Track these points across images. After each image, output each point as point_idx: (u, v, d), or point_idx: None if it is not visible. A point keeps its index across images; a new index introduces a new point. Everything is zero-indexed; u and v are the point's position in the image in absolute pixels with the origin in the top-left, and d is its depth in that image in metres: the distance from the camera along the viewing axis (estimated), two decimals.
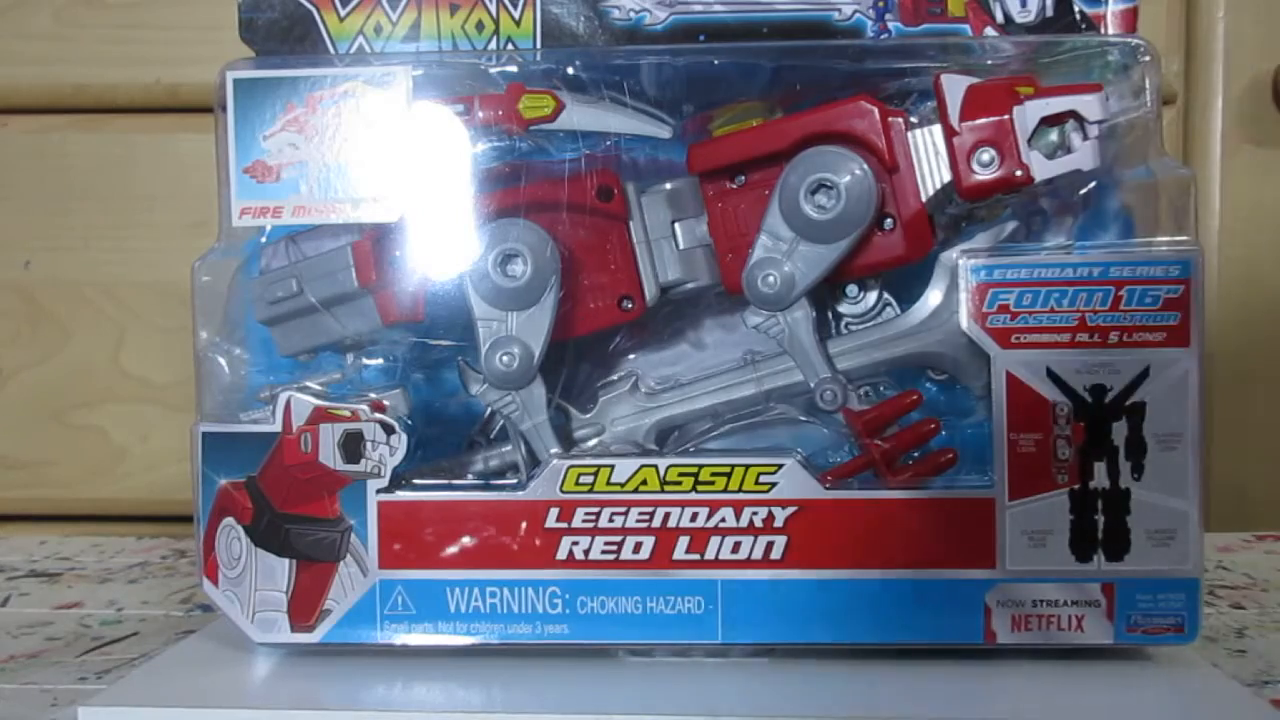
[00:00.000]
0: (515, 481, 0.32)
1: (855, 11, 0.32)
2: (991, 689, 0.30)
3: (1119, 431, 0.30)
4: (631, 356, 0.34)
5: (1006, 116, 0.30)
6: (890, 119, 0.31)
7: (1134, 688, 0.30)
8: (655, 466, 0.31)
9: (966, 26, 0.32)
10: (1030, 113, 0.30)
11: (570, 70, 0.32)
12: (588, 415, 0.34)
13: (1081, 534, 0.30)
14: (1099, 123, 0.30)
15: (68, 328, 0.62)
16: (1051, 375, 0.30)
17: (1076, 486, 0.30)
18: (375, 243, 0.32)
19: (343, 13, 0.33)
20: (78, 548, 0.56)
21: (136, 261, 0.61)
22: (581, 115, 0.32)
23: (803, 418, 0.34)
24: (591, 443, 0.33)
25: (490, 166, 0.33)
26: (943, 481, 0.31)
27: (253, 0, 0.35)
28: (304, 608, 0.32)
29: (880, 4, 0.32)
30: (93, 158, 0.61)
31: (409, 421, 0.32)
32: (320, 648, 0.32)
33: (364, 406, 0.32)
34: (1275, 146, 0.57)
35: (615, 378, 0.34)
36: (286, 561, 0.32)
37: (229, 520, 0.32)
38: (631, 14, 0.32)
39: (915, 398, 0.32)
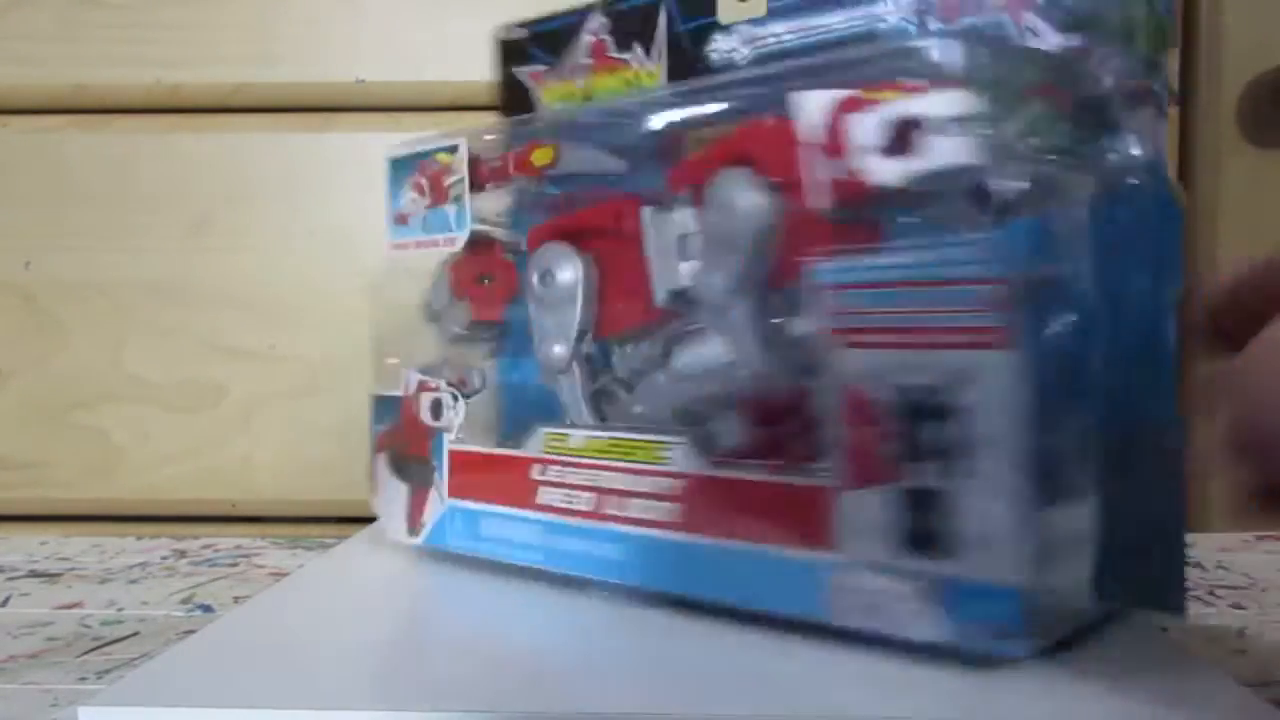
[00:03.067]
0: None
1: (900, 18, 0.34)
2: (989, 692, 0.30)
3: (942, 432, 0.28)
4: (676, 348, 0.38)
5: (836, 126, 0.30)
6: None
7: (1133, 688, 0.30)
8: (599, 437, 0.37)
9: (1006, 18, 0.32)
10: (870, 119, 0.29)
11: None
12: (632, 396, 0.39)
13: (914, 530, 0.29)
14: (949, 120, 0.28)
15: (68, 328, 0.62)
16: (880, 376, 0.29)
17: (906, 484, 0.29)
18: (463, 264, 0.43)
19: (550, 86, 0.45)
20: (78, 548, 0.56)
21: (136, 261, 0.61)
22: (571, 160, 0.40)
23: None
24: (632, 419, 0.39)
25: (545, 200, 0.42)
26: (791, 470, 0.32)
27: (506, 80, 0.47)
28: (412, 519, 0.43)
29: (921, 7, 0.34)
30: (93, 158, 0.62)
31: (477, 391, 0.43)
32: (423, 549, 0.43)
33: (443, 380, 0.42)
34: (1275, 146, 0.57)
35: (650, 368, 0.39)
36: (405, 485, 0.43)
37: (380, 455, 0.44)
38: (725, 54, 0.40)
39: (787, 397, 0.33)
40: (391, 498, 0.44)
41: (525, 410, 0.42)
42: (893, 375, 0.29)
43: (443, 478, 0.41)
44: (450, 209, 0.42)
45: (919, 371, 0.28)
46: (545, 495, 0.38)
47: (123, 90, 0.61)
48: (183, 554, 0.54)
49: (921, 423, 0.29)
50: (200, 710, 0.28)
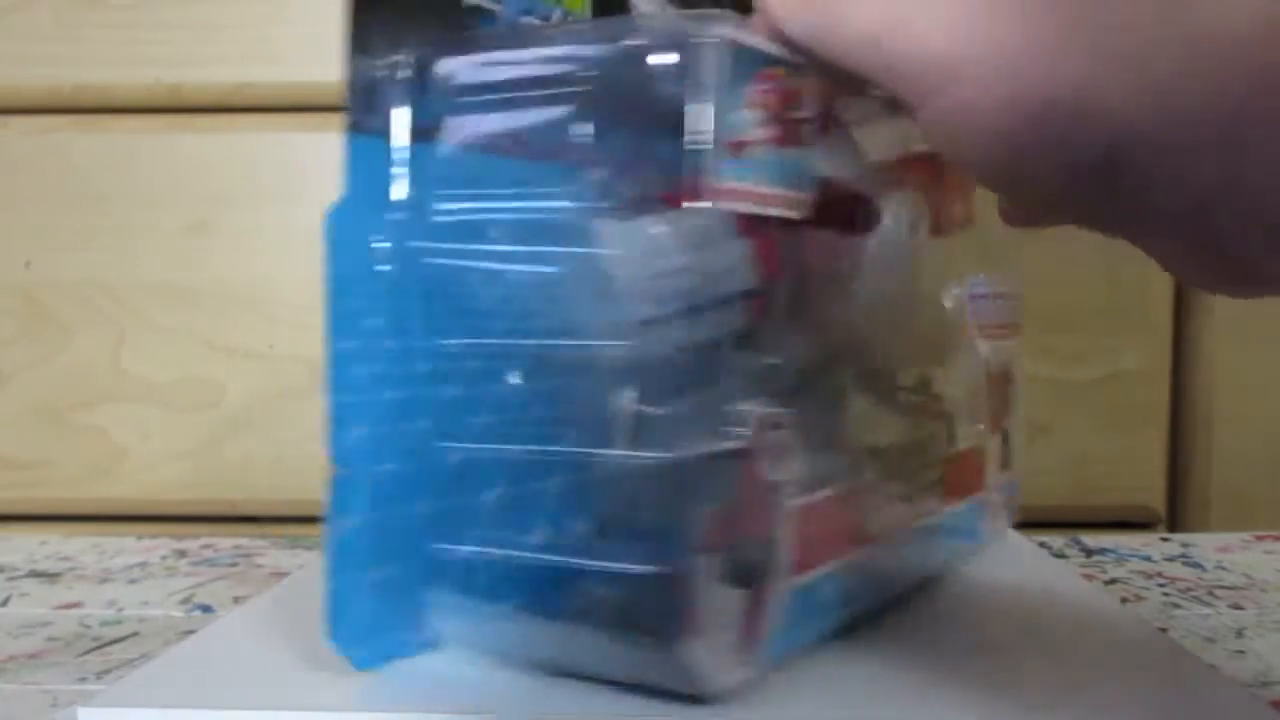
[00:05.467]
0: None
1: None
2: (981, 687, 0.30)
3: None
4: None
5: None
6: None
7: (1132, 688, 0.30)
8: None
9: None
10: None
11: None
12: None
13: None
14: None
15: (68, 328, 0.62)
16: None
17: None
18: (775, 240, 0.28)
19: None
20: (78, 548, 0.56)
21: (136, 261, 0.61)
22: None
23: None
24: None
25: None
26: None
27: None
28: (749, 633, 0.28)
29: None
30: (93, 158, 0.61)
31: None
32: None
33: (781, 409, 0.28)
34: None
35: None
36: (739, 593, 0.27)
37: (708, 559, 0.26)
38: None
39: None
40: (718, 620, 0.27)
41: None
42: None
43: (786, 554, 0.28)
44: (795, 155, 0.28)
45: None
46: None
47: (123, 90, 0.61)
48: (183, 554, 0.54)
49: None
50: (200, 711, 0.28)
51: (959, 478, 0.38)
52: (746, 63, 0.26)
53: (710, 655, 0.26)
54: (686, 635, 0.26)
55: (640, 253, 0.26)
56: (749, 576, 0.27)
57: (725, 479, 0.27)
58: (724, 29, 0.26)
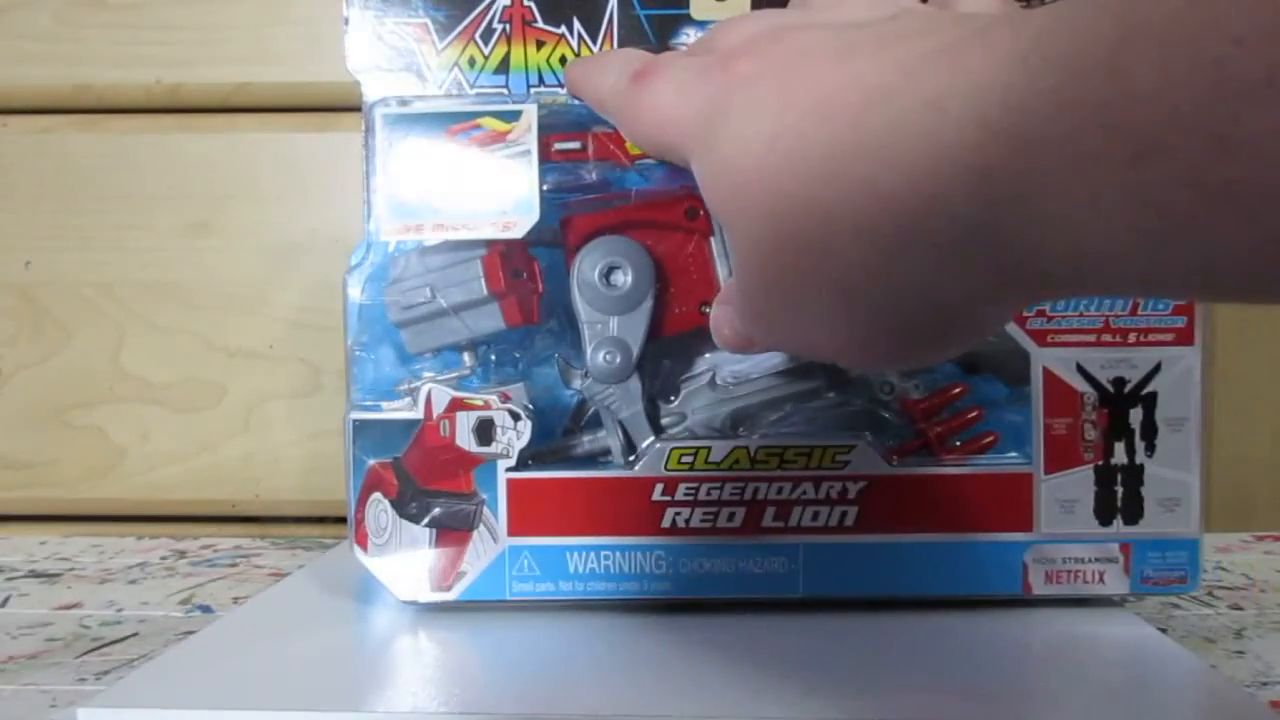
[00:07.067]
0: (613, 461, 0.37)
1: None
2: (985, 692, 0.30)
3: (1135, 417, 0.36)
4: (707, 355, 0.38)
5: None
6: None
7: (1131, 689, 0.30)
8: (746, 448, 0.36)
9: None
10: None
11: None
12: (672, 405, 0.38)
13: (1104, 502, 0.36)
14: None
15: (68, 328, 0.62)
16: (1080, 369, 0.36)
17: (1100, 463, 0.36)
18: (501, 256, 0.37)
19: (439, 46, 0.38)
20: (77, 548, 0.56)
21: (136, 261, 0.61)
22: None
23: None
24: (675, 429, 0.38)
25: (596, 192, 0.37)
26: (986, 459, 0.37)
27: (362, 36, 0.39)
28: (443, 571, 0.36)
29: None
30: (93, 158, 0.62)
31: (531, 410, 0.37)
32: (457, 604, 0.37)
33: (494, 397, 0.36)
34: None
35: (695, 372, 0.38)
36: (428, 531, 0.36)
37: (377, 495, 0.36)
38: None
39: (960, 389, 0.37)
40: (400, 549, 0.37)
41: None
42: (1096, 370, 0.36)
43: (498, 515, 0.36)
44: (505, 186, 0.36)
45: (1119, 365, 0.36)
46: (674, 517, 0.36)
47: (123, 90, 0.61)
48: (182, 554, 0.54)
49: (1121, 409, 0.36)
50: (199, 711, 0.28)
51: None
52: (418, 127, 0.37)
53: (398, 579, 0.36)
54: (357, 545, 0.37)
55: None
56: (436, 523, 0.36)
57: (393, 442, 0.36)
58: None
